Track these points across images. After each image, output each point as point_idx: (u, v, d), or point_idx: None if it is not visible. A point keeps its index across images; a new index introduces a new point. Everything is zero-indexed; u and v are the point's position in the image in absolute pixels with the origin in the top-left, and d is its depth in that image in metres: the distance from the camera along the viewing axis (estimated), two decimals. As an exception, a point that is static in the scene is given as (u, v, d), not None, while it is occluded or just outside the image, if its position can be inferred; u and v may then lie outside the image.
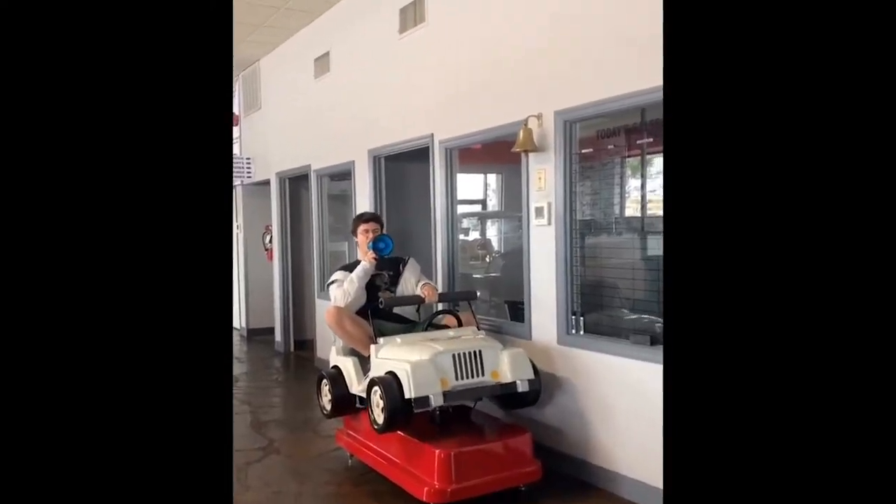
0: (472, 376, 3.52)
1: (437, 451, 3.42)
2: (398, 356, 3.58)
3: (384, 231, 4.46)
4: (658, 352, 3.34)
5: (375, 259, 4.18)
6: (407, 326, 4.20)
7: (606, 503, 3.60)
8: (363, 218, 4.54)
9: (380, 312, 4.06)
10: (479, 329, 3.99)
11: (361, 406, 3.94)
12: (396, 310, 4.30)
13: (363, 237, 4.38)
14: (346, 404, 4.08)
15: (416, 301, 4.18)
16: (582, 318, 3.99)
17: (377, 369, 3.69)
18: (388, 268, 4.33)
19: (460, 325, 4.03)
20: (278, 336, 8.37)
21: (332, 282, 4.28)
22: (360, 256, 4.41)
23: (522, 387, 3.57)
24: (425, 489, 3.41)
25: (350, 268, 4.33)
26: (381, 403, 3.45)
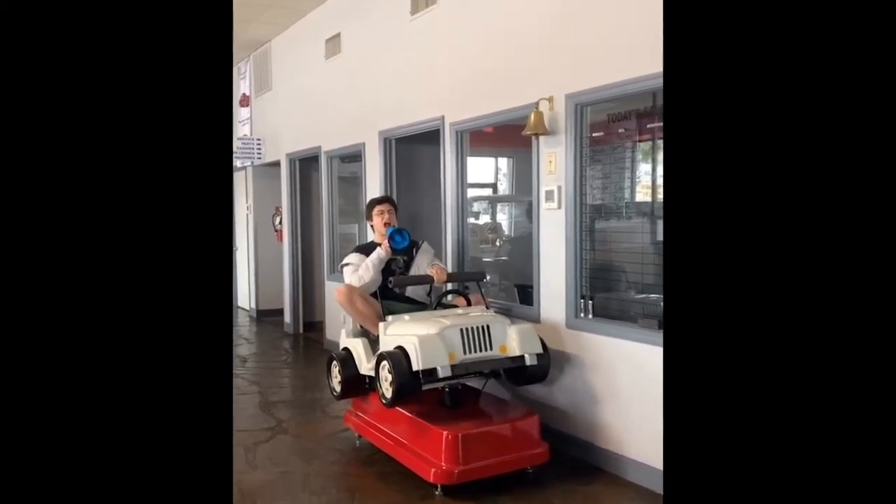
0: (481, 350, 3.53)
1: (444, 433, 3.44)
2: (406, 331, 3.59)
3: (397, 210, 4.55)
4: (667, 336, 3.33)
5: (390, 248, 4.23)
6: (417, 307, 4.21)
7: (613, 486, 3.62)
8: (376, 201, 4.63)
9: (390, 294, 4.07)
10: (487, 308, 4.00)
11: (370, 387, 3.96)
12: (408, 292, 4.33)
13: (378, 219, 4.47)
14: (356, 385, 4.10)
15: (425, 281, 4.19)
16: (591, 302, 3.99)
17: (385, 345, 3.71)
18: (403, 253, 4.38)
19: (469, 305, 4.05)
20: (287, 317, 8.41)
21: (347, 264, 4.32)
22: (376, 239, 4.47)
23: (531, 360, 3.57)
24: (432, 470, 3.43)
25: (365, 249, 4.37)
26: (390, 377, 3.46)
